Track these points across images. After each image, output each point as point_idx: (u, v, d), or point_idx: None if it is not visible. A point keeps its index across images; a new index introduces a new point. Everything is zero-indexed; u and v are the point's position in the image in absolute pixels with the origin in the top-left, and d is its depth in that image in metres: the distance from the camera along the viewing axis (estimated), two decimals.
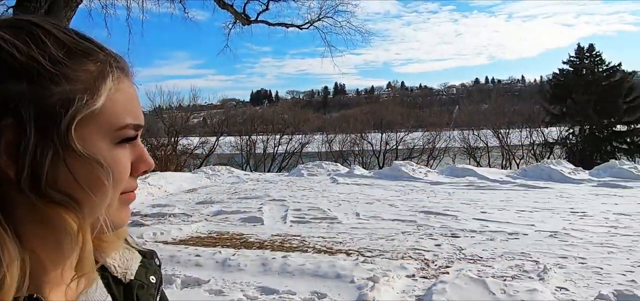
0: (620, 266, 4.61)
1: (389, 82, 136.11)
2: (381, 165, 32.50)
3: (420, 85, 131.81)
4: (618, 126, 26.86)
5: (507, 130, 31.70)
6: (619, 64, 27.44)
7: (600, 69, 27.18)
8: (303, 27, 12.22)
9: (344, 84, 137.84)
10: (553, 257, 5.03)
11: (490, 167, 29.27)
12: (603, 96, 25.59)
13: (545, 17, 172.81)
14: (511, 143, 31.88)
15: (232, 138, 37.85)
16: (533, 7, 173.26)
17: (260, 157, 36.66)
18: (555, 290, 4.04)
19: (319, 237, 6.47)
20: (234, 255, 5.22)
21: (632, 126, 26.30)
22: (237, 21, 12.13)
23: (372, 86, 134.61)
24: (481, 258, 5.16)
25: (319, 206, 8.88)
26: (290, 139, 37.45)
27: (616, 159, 20.97)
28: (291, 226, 7.36)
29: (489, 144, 33.33)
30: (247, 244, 6.22)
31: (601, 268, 4.59)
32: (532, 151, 30.64)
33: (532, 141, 31.02)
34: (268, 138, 37.00)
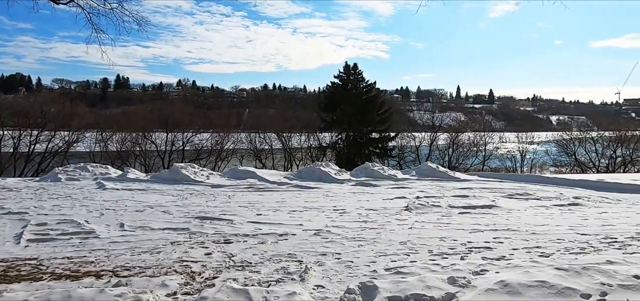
0: (366, 258, 5.20)
1: (180, 80, 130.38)
2: (166, 166, 30.50)
3: (212, 86, 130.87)
4: (373, 134, 32.44)
5: (289, 134, 34.33)
6: (374, 83, 33.32)
7: (361, 85, 32.32)
8: (60, 1, 10.08)
9: (128, 77, 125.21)
10: (315, 255, 5.33)
11: (274, 169, 31.08)
12: (363, 108, 30.47)
13: (323, 37, 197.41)
14: (292, 146, 34.67)
15: None
16: (313, 26, 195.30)
17: (8, 158, 29.44)
18: (313, 289, 4.20)
19: (64, 258, 5.27)
20: None
21: (382, 134, 32.20)
22: None
23: (161, 82, 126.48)
24: (250, 263, 5.06)
25: (73, 218, 7.40)
26: (53, 136, 31.32)
27: (371, 162, 25.21)
28: (27, 247, 5.83)
29: (273, 147, 35.38)
30: None
31: (352, 262, 5.07)
32: (309, 154, 34.07)
33: (309, 144, 34.49)
34: (21, 134, 30.07)
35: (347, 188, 11.19)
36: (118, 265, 5.02)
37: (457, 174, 13.43)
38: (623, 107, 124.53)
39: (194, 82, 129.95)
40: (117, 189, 10.86)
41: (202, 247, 5.75)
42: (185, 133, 34.55)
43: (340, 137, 32.41)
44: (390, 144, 33.47)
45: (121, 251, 5.55)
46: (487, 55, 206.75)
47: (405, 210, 8.25)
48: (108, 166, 14.23)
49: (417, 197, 9.57)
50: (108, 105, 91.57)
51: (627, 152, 32.28)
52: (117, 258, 5.28)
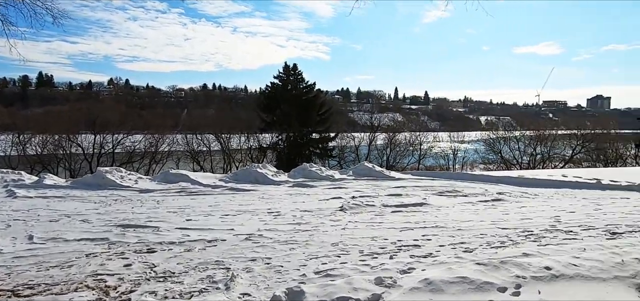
0: (297, 262, 5.08)
1: (112, 78, 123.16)
2: (94, 171, 28.53)
3: (147, 85, 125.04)
4: (314, 134, 32.57)
5: (228, 135, 33.52)
6: (314, 83, 33.46)
7: (301, 86, 32.33)
8: None
9: (51, 75, 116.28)
10: (244, 261, 5.13)
11: (212, 171, 30.18)
12: (303, 108, 30.50)
13: (264, 37, 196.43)
14: (232, 148, 33.88)
15: None
16: (253, 26, 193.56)
17: None
18: (238, 298, 4.01)
19: None
20: None
21: (323, 134, 32.44)
22: None
23: (90, 81, 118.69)
24: (173, 274, 4.76)
25: None
26: None
27: (313, 162, 25.23)
28: None
29: (212, 148, 34.37)
30: None
31: (282, 266, 4.93)
32: (249, 155, 33.47)
33: (249, 146, 33.90)
34: None
35: (284, 190, 11.03)
36: (20, 283, 4.50)
37: (393, 173, 13.76)
38: (542, 108, 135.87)
39: (127, 80, 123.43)
40: (30, 197, 9.89)
41: (122, 258, 5.33)
42: (116, 135, 32.54)
43: (280, 137, 32.19)
44: (330, 144, 33.79)
45: (26, 268, 4.99)
46: (422, 58, 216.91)
47: (340, 210, 8.26)
48: (22, 172, 12.92)
49: (353, 197, 9.64)
50: (28, 105, 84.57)
51: (546, 150, 35.17)
52: (19, 275, 4.74)
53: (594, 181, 11.72)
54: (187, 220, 7.54)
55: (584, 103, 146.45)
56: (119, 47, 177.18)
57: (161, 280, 4.58)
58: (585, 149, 35.23)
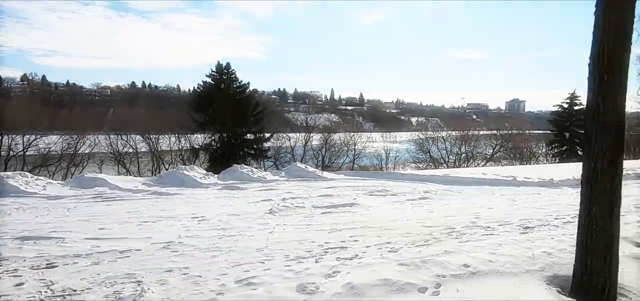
0: (217, 270, 4.77)
1: (26, 74, 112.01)
2: None
3: (67, 82, 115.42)
4: (248, 134, 31.82)
5: (157, 136, 31.80)
6: (248, 83, 32.66)
7: (235, 85, 31.44)
8: None
9: None
10: (158, 273, 4.72)
11: (140, 175, 28.48)
12: (236, 108, 29.66)
13: (197, 34, 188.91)
14: (162, 149, 32.19)
15: None
16: (186, 23, 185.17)
17: None
18: None
19: None
20: None
21: (257, 135, 31.82)
22: None
23: (0, 76, 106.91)
24: (74, 291, 4.24)
25: None
26: None
27: (247, 163, 24.65)
28: None
29: (139, 150, 32.43)
30: None
31: (200, 276, 4.59)
32: (181, 156, 32.00)
33: (181, 147, 32.42)
34: None
35: (212, 193, 10.55)
36: None
37: (325, 174, 13.76)
38: (467, 110, 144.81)
39: (43, 76, 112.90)
40: None
41: (13, 276, 4.68)
42: (27, 136, 29.49)
43: (213, 138, 31.08)
44: (265, 145, 33.24)
45: None
46: (358, 61, 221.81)
47: (268, 213, 8.02)
48: None
49: (283, 199, 9.43)
50: None
51: (469, 149, 37.46)
52: None
53: (511, 178, 12.55)
54: (100, 229, 6.88)
55: (503, 106, 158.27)
56: (35, 40, 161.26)
57: (58, 299, 4.06)
58: (503, 148, 38.02)
